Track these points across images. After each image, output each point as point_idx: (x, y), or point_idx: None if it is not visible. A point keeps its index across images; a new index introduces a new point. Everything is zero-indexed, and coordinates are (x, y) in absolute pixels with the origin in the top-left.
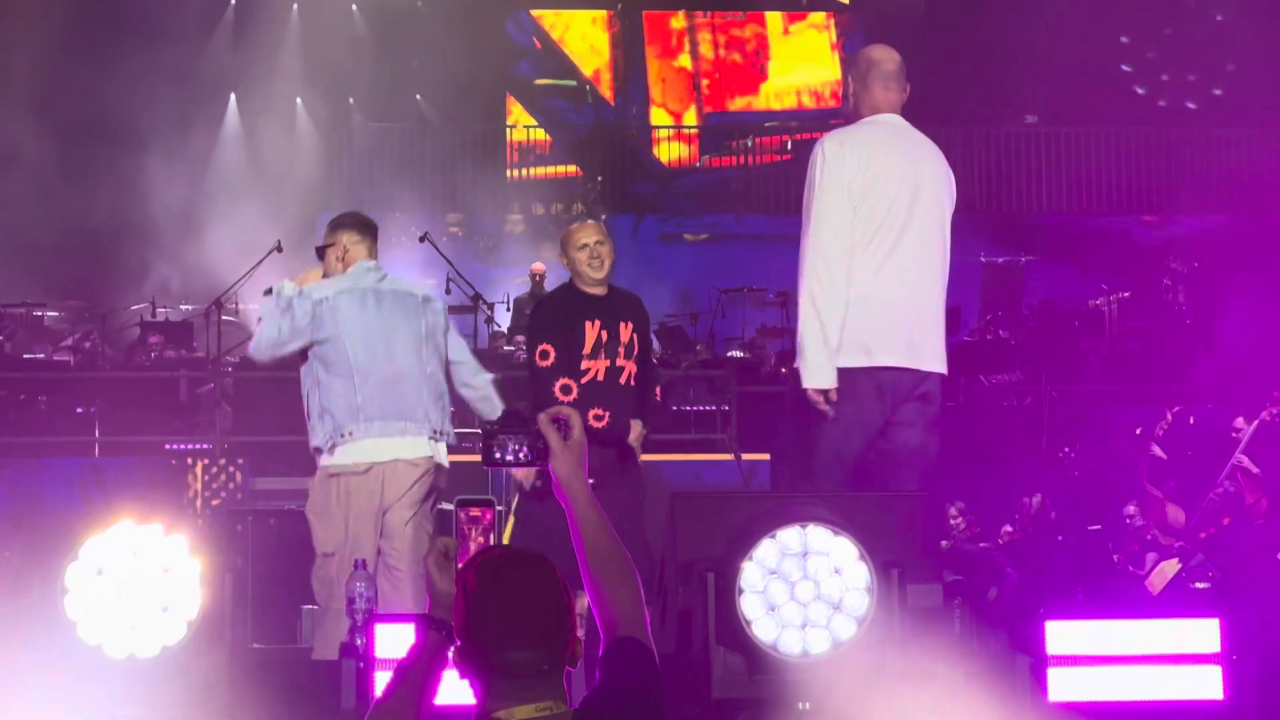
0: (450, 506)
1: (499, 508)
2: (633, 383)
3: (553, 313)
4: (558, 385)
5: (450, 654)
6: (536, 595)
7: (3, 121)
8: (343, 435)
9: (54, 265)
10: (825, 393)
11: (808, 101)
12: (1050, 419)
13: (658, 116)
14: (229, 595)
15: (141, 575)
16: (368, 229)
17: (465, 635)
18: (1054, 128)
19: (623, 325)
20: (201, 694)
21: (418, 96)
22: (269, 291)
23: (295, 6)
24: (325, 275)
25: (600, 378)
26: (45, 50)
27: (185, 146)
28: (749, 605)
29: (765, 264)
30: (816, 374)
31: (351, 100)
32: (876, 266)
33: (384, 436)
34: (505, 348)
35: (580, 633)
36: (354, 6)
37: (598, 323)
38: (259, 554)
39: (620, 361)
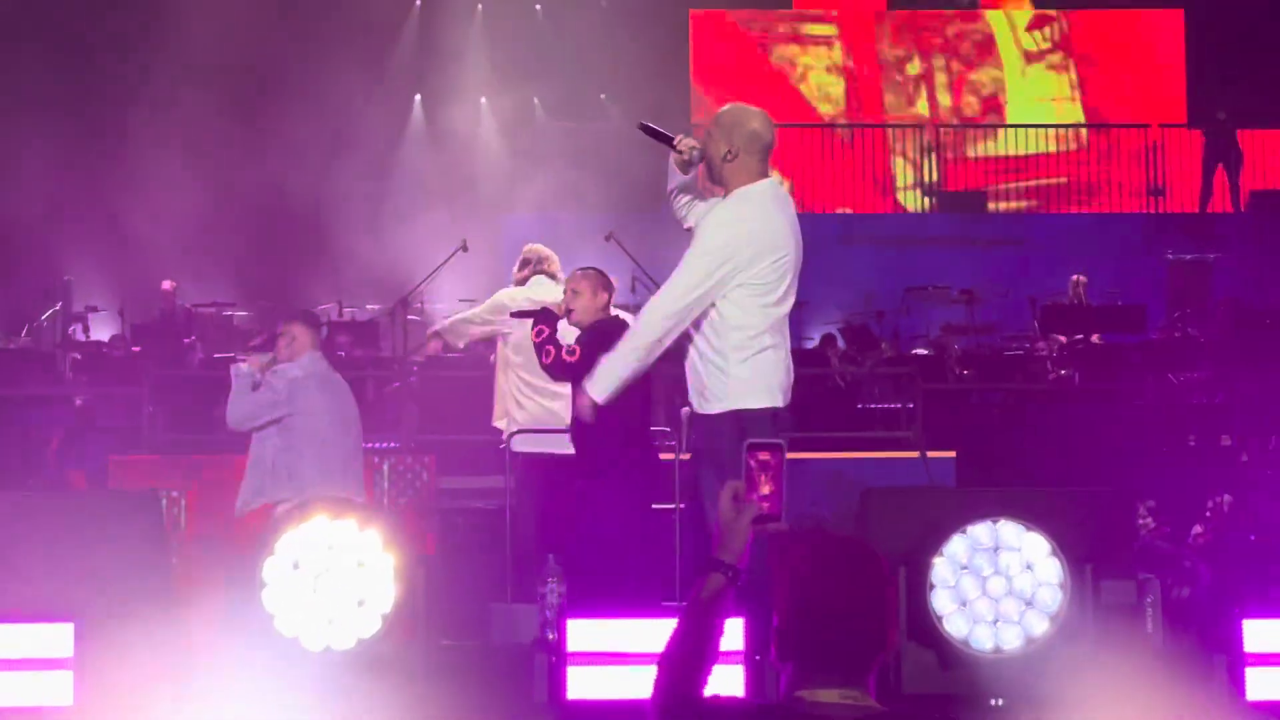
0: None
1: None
2: None
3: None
4: None
5: (772, 639)
6: (861, 584)
7: (192, 118)
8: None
9: (243, 265)
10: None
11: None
12: (1241, 417)
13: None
14: (422, 589)
15: (337, 569)
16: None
17: (786, 614)
18: (1243, 123)
19: None
20: (397, 686)
21: (602, 96)
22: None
23: (480, 6)
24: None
25: None
26: (229, 41)
27: (371, 146)
28: (940, 600)
29: (949, 263)
30: (607, 391)
31: (536, 99)
32: (778, 320)
33: None
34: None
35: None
36: (537, 6)
37: None
38: (446, 550)
39: None
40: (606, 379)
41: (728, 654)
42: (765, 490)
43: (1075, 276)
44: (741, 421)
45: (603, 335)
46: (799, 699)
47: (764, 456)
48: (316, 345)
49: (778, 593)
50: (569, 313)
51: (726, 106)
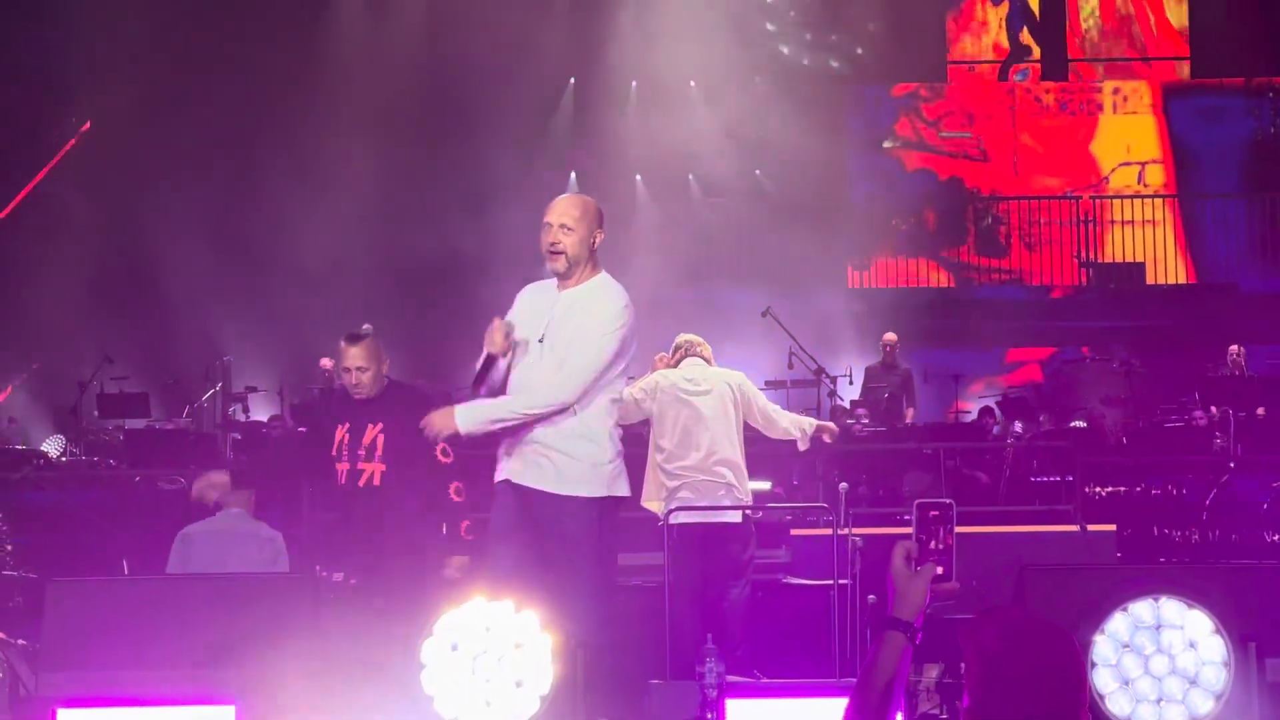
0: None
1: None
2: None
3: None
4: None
5: (960, 712)
6: (1056, 667)
7: (348, 195)
8: None
9: (402, 339)
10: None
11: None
12: None
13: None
14: (580, 669)
15: (495, 650)
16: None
17: (976, 693)
18: None
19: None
20: None
21: (757, 172)
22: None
23: (634, 84)
24: None
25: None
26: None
27: (526, 222)
28: (1102, 679)
29: (1107, 334)
30: (471, 430)
31: (690, 176)
32: None
33: None
34: (847, 421)
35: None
36: (692, 83)
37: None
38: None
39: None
40: (478, 420)
41: None
42: (938, 548)
43: (1233, 348)
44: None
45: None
46: None
47: (935, 514)
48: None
49: (968, 671)
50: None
51: (580, 197)
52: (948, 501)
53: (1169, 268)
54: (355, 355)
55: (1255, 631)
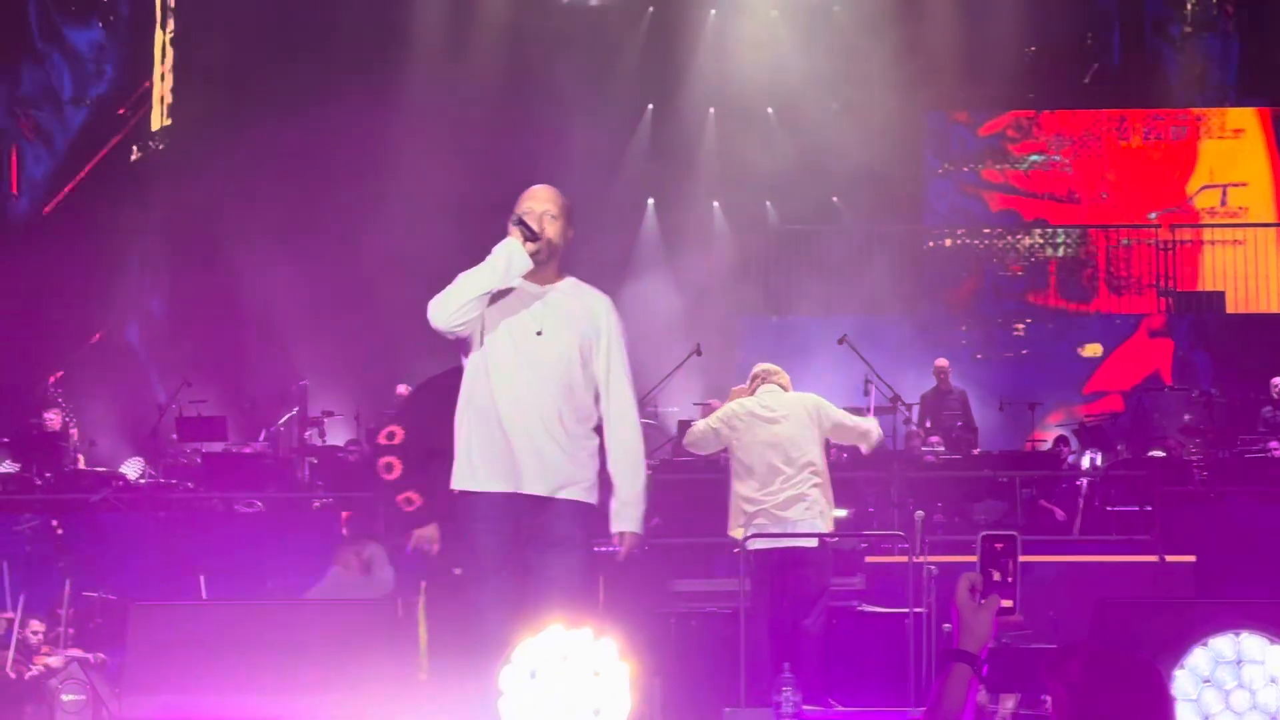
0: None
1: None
2: None
3: None
4: None
5: None
6: (1145, 703)
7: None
8: None
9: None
10: None
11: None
12: None
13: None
14: (658, 698)
15: (573, 678)
16: None
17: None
18: None
19: None
20: None
21: (834, 199)
22: None
23: (712, 111)
24: None
25: None
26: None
27: (605, 248)
28: (1183, 714)
29: (1185, 363)
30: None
31: (768, 203)
32: None
33: None
34: (921, 449)
35: None
36: (769, 110)
37: None
38: (680, 654)
39: None
40: (641, 511)
41: None
42: (1002, 580)
43: (1277, 380)
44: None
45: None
46: None
47: (999, 547)
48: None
49: (1055, 705)
50: None
51: (553, 190)
52: (1012, 534)
53: (1260, 295)
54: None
55: None
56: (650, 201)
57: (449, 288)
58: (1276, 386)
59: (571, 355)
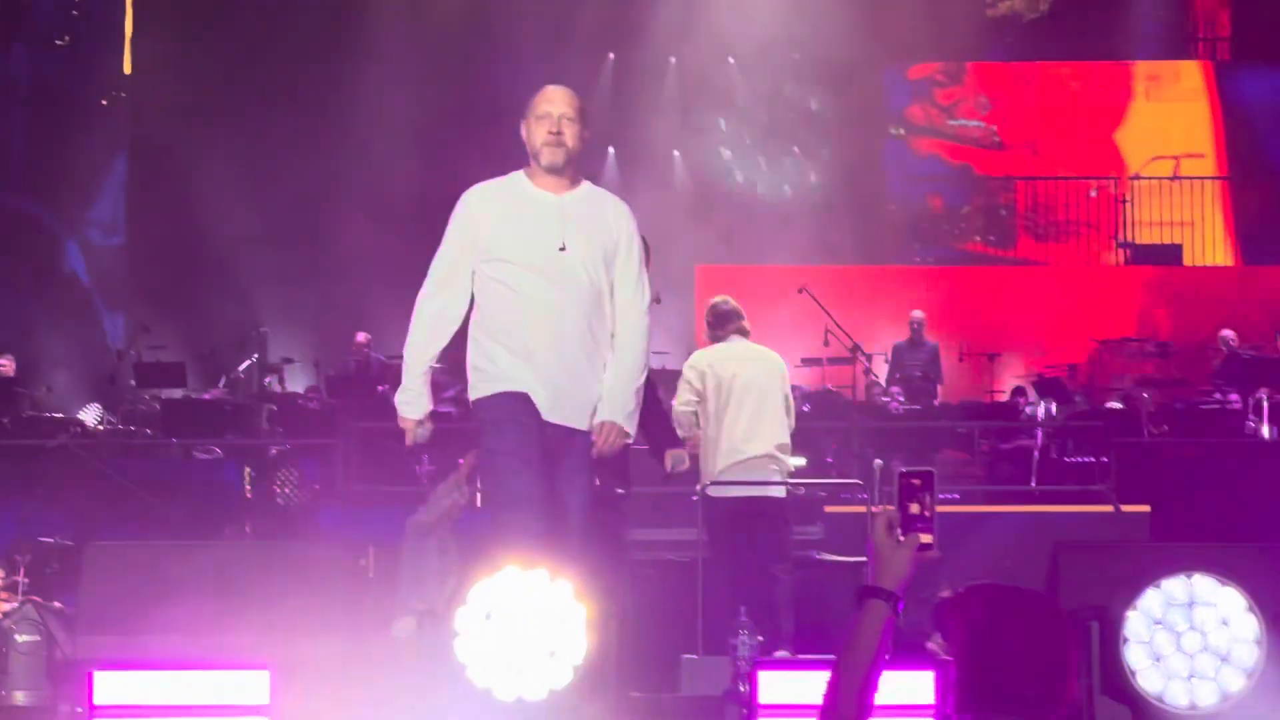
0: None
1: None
2: None
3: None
4: None
5: (951, 687)
6: (1040, 635)
7: (384, 172)
8: None
9: None
10: None
11: None
12: None
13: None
14: (613, 641)
15: (528, 620)
16: None
17: (963, 665)
18: None
19: None
20: None
21: (795, 149)
22: None
23: (673, 60)
24: None
25: None
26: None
27: None
28: (1134, 655)
29: (1143, 315)
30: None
31: (728, 154)
32: None
33: None
34: (881, 398)
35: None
36: (730, 59)
37: None
38: (638, 603)
39: None
40: (630, 406)
41: (920, 707)
42: (920, 515)
43: (1225, 332)
44: None
45: None
46: None
47: (917, 483)
48: None
49: (955, 644)
50: None
51: (568, 92)
52: (929, 470)
53: (1210, 250)
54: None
55: None
56: (610, 150)
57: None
58: (1225, 339)
59: (596, 269)
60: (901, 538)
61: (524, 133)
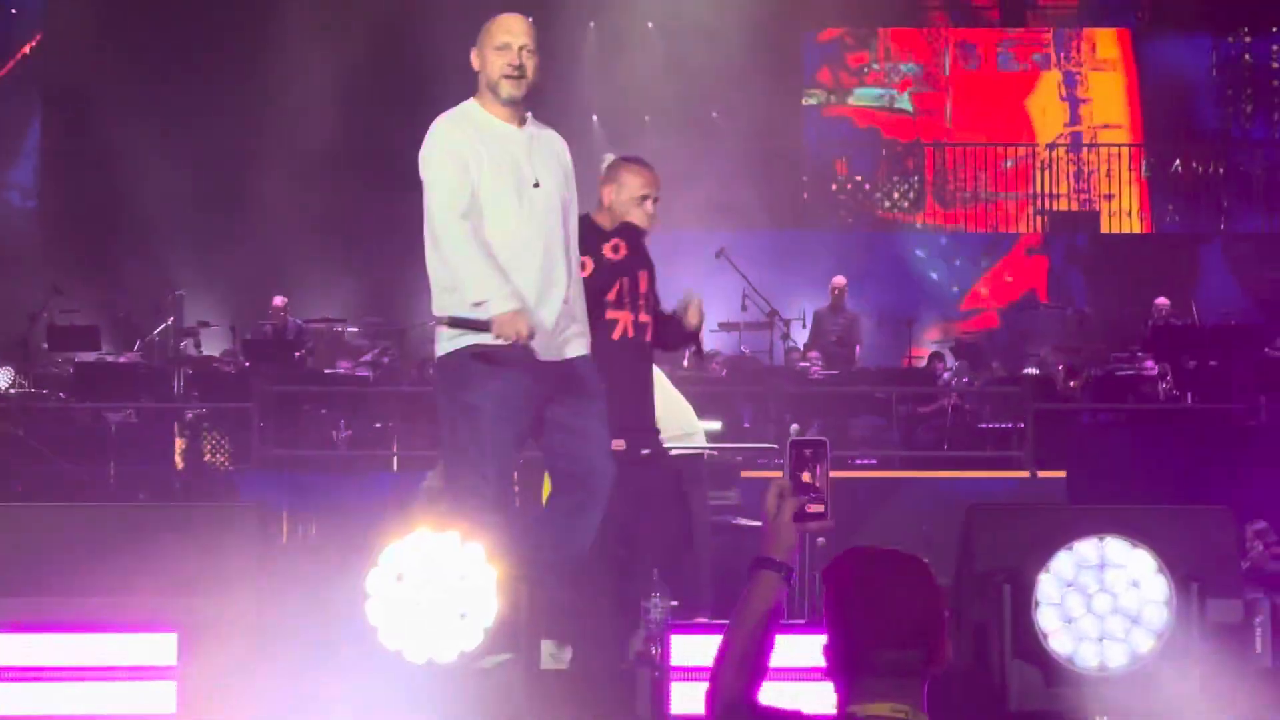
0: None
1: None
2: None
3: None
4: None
5: (822, 650)
6: (911, 594)
7: (302, 135)
8: None
9: (354, 280)
10: None
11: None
12: None
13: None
14: (525, 603)
15: (440, 582)
16: None
17: (835, 629)
18: None
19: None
20: (499, 700)
21: (714, 114)
22: None
23: (592, 24)
24: None
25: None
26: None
27: None
28: (1045, 618)
29: (1061, 282)
30: None
31: (647, 118)
32: None
33: None
34: (800, 364)
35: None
36: (650, 24)
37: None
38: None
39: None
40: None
41: (815, 670)
42: (812, 484)
43: (1160, 300)
44: None
45: None
46: (851, 714)
47: (809, 452)
48: None
49: (826, 609)
50: None
51: (525, 20)
52: (822, 439)
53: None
54: (656, 181)
55: (1198, 572)
56: (528, 115)
57: (468, 256)
58: (1160, 307)
59: (566, 204)
60: (792, 508)
61: (476, 62)
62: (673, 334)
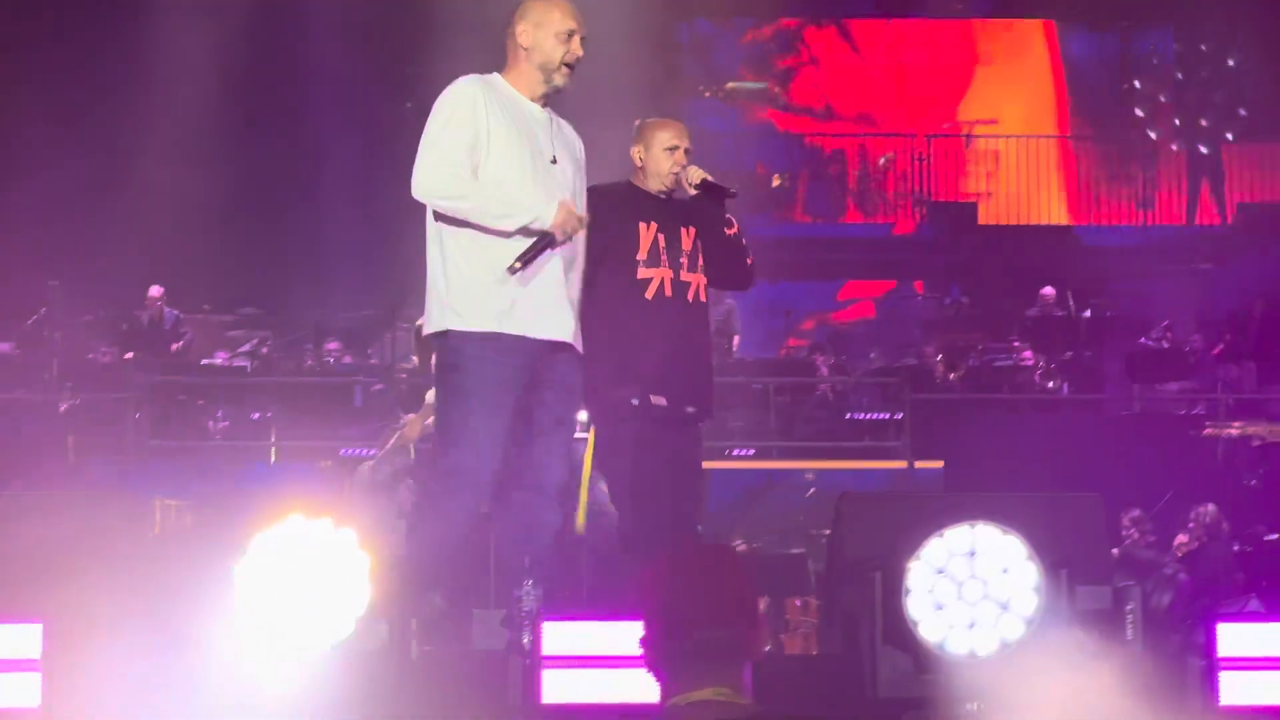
0: None
1: None
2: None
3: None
4: None
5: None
6: (722, 578)
7: (179, 121)
8: None
9: (233, 270)
10: None
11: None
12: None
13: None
14: (397, 591)
15: (311, 569)
16: None
17: (651, 618)
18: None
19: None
20: (369, 689)
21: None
22: None
23: None
24: None
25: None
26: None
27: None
28: (916, 605)
29: (939, 274)
30: None
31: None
32: None
33: None
34: None
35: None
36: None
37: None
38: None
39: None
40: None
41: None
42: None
43: (1046, 290)
44: None
45: None
46: (674, 705)
47: None
48: None
49: (642, 601)
50: None
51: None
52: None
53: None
54: (685, 132)
55: (1069, 559)
56: (409, 104)
57: (487, 194)
58: (1045, 296)
59: (577, 186)
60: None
61: (526, 38)
62: (722, 255)
